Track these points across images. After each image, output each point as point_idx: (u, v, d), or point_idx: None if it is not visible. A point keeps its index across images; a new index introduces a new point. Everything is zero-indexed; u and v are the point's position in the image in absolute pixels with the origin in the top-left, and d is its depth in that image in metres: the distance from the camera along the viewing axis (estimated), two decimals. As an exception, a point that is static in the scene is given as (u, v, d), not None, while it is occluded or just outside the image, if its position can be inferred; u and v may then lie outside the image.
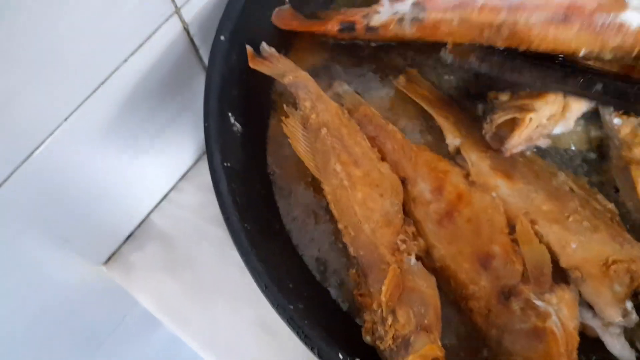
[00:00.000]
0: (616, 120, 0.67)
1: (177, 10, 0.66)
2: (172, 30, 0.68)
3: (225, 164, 0.61)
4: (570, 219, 0.61)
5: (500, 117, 0.63)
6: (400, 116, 0.73)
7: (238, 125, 0.68)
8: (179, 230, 0.87)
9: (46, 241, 0.70)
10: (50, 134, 0.60)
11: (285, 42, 0.76)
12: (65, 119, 0.60)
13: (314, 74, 0.69)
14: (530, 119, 0.62)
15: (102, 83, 0.63)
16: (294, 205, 0.70)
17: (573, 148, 0.72)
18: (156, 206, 0.88)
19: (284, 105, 0.67)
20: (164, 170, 0.86)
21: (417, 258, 0.61)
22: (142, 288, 0.83)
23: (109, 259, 0.85)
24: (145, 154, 0.79)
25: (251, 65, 0.67)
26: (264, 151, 0.73)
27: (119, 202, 0.81)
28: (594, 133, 0.72)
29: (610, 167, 0.69)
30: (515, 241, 0.60)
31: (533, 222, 0.61)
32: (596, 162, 0.71)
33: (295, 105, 0.66)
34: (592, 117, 0.71)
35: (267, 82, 0.74)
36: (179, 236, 0.87)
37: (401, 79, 0.72)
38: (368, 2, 0.73)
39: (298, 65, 0.69)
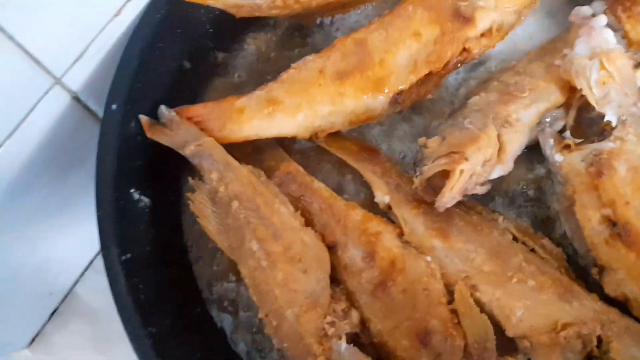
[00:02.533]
0: (557, 157, 0.62)
1: (58, 81, 0.59)
2: (57, 100, 0.61)
3: (124, 257, 0.54)
4: (514, 279, 0.56)
5: (430, 170, 0.57)
6: (327, 171, 0.66)
7: (145, 199, 0.61)
8: (107, 302, 0.79)
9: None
10: None
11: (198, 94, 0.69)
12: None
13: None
14: (461, 170, 0.56)
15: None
16: (218, 281, 0.63)
17: (515, 189, 0.66)
18: (80, 277, 0.81)
19: (189, 179, 0.59)
20: (83, 238, 0.78)
21: (352, 336, 0.55)
22: (70, 370, 0.77)
23: (33, 340, 0.78)
24: (57, 225, 0.72)
25: (149, 135, 0.60)
26: (179, 220, 0.66)
27: (32, 279, 0.74)
28: (537, 169, 0.66)
29: (554, 205, 0.64)
30: (455, 312, 0.54)
31: (473, 288, 0.55)
32: (541, 198, 0.65)
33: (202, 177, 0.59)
34: (534, 151, 0.65)
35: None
36: (107, 308, 0.78)
37: (319, 132, 0.65)
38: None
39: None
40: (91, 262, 0.82)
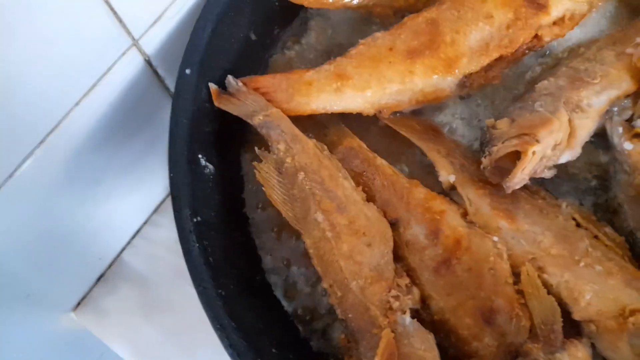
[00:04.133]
0: (626, 145, 0.61)
1: (135, 43, 0.59)
2: (132, 63, 0.61)
3: (195, 219, 0.54)
4: (582, 263, 0.55)
5: (500, 151, 0.57)
6: (387, 149, 0.66)
7: (210, 166, 0.61)
8: (154, 270, 0.80)
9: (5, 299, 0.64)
10: (10, 176, 0.54)
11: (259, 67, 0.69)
12: (24, 160, 0.54)
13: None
14: (534, 152, 0.56)
15: (60, 121, 0.57)
16: (277, 250, 0.63)
17: (578, 174, 0.65)
18: (128, 244, 0.82)
19: (256, 149, 0.60)
20: (135, 204, 0.80)
21: (413, 312, 0.55)
22: (116, 335, 0.77)
23: (79, 304, 0.79)
24: (114, 190, 0.73)
25: (216, 104, 0.60)
26: (240, 191, 0.66)
27: (86, 242, 0.74)
28: (602, 158, 0.65)
29: (617, 194, 0.63)
30: (521, 292, 0.54)
31: (541, 270, 0.55)
32: (603, 188, 0.65)
33: (268, 147, 0.59)
34: (599, 140, 0.65)
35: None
36: (154, 276, 0.80)
37: (384, 110, 0.65)
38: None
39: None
40: (139, 229, 0.82)
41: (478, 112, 0.69)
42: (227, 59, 0.64)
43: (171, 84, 0.67)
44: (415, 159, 0.67)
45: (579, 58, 0.66)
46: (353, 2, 0.67)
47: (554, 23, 0.65)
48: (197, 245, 0.53)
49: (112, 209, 0.74)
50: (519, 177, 0.56)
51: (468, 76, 0.63)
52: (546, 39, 0.65)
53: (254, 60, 0.69)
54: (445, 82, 0.63)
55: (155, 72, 0.64)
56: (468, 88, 0.65)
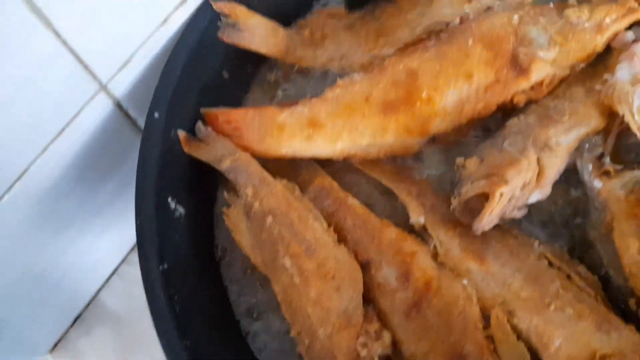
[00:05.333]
0: (596, 183, 0.61)
1: (103, 87, 0.59)
2: (100, 106, 0.61)
3: (162, 267, 0.53)
4: (552, 306, 0.55)
5: (468, 193, 0.57)
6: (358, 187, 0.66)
7: (181, 209, 0.61)
8: (131, 309, 0.80)
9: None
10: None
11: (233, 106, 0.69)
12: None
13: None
14: (501, 194, 0.55)
15: (27, 168, 0.57)
16: (248, 296, 0.62)
17: (551, 211, 0.65)
18: (105, 283, 0.81)
19: (224, 193, 0.59)
20: (111, 243, 0.79)
21: (384, 358, 0.54)
22: (93, 377, 0.76)
23: (55, 345, 0.78)
24: (89, 230, 0.72)
25: (186, 151, 0.60)
26: (211, 231, 0.66)
27: (61, 283, 0.74)
28: (574, 194, 0.65)
29: (590, 231, 0.63)
30: (491, 337, 0.53)
31: (510, 314, 0.54)
32: (576, 224, 0.64)
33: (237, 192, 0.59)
34: (572, 176, 0.64)
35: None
36: (132, 316, 0.79)
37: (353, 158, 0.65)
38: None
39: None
40: (116, 268, 0.82)
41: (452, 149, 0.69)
42: (199, 99, 0.64)
43: (144, 125, 0.67)
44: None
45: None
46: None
47: (531, 88, 0.63)
48: (164, 294, 0.52)
49: (88, 248, 0.74)
50: (487, 220, 0.56)
51: (439, 134, 0.63)
52: (520, 104, 0.63)
53: (227, 99, 0.69)
54: (415, 139, 0.63)
55: (127, 114, 0.64)
56: (436, 143, 0.65)
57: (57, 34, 0.50)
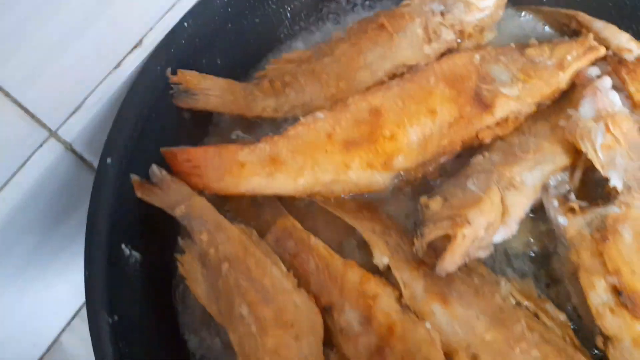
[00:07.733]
0: (562, 220, 0.60)
1: (53, 133, 0.57)
2: (51, 151, 0.59)
3: (112, 319, 0.51)
4: (517, 349, 0.53)
5: (431, 233, 0.56)
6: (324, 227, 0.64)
7: (136, 255, 0.59)
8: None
9: None
10: None
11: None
12: None
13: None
14: (464, 235, 0.54)
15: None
16: (206, 346, 0.60)
17: (518, 246, 0.64)
18: (67, 326, 0.78)
19: (179, 239, 0.57)
20: (71, 286, 0.76)
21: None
22: None
23: (15, 392, 0.75)
24: (45, 277, 0.70)
25: (139, 196, 0.58)
26: (170, 279, 0.63)
27: (19, 330, 0.71)
28: (542, 227, 0.64)
29: (558, 267, 0.62)
30: (456, 383, 0.51)
31: (475, 358, 0.53)
32: (545, 259, 0.63)
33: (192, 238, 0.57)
34: (541, 212, 0.63)
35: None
36: (92, 358, 0.77)
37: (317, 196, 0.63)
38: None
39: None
40: (78, 310, 0.79)
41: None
42: (157, 141, 0.62)
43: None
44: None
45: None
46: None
47: (497, 124, 0.63)
48: (113, 349, 0.50)
49: (43, 294, 0.72)
50: (450, 261, 0.55)
51: (404, 170, 0.62)
52: (486, 140, 0.63)
53: (188, 139, 0.67)
54: (380, 176, 0.62)
55: (81, 157, 0.62)
56: (404, 182, 0.63)
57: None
